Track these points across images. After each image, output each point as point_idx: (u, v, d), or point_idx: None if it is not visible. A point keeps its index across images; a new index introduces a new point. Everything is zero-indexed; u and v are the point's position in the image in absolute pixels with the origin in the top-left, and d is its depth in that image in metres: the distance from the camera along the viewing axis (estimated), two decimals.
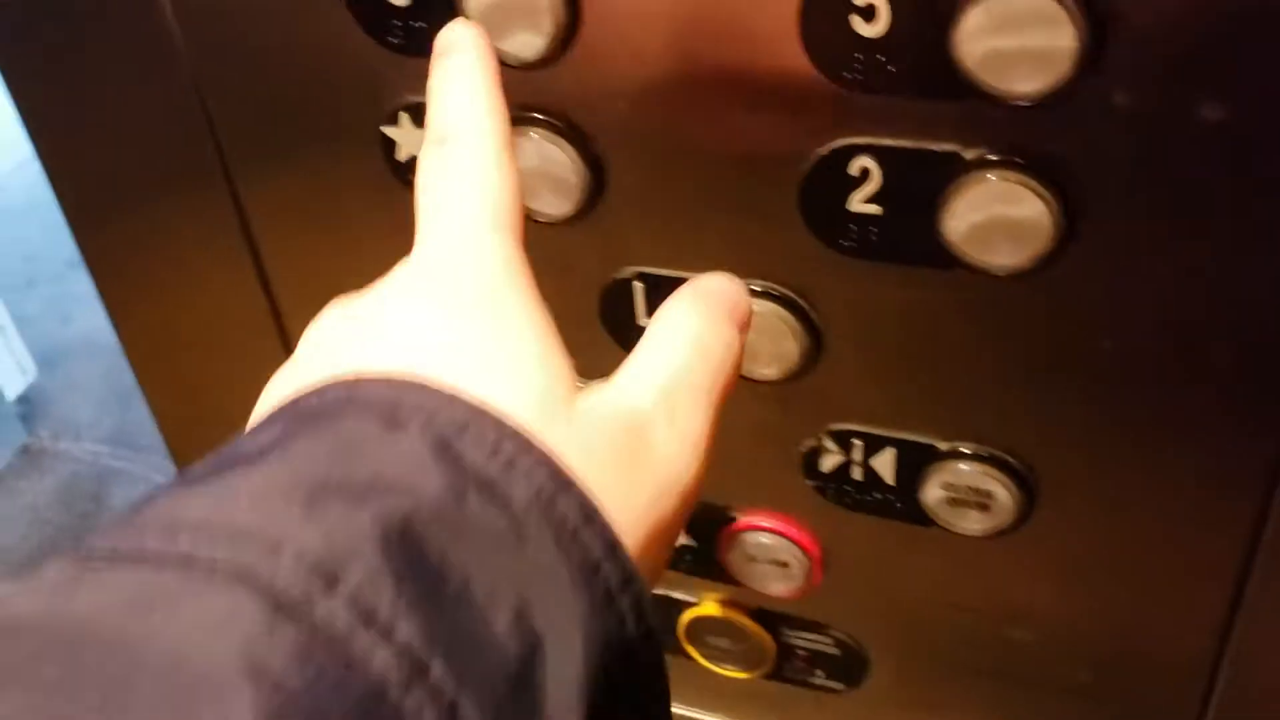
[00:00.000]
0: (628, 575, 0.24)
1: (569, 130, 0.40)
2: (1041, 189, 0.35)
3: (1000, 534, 0.43)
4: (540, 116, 0.40)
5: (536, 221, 0.42)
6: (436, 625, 0.21)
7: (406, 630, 0.20)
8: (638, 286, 0.43)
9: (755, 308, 0.41)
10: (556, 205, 0.41)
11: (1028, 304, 0.38)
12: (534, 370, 0.27)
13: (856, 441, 0.44)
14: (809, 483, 0.46)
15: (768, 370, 0.43)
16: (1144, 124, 0.34)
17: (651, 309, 0.44)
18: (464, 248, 0.29)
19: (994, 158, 0.35)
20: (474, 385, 0.25)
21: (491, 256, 0.29)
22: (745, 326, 0.31)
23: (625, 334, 0.44)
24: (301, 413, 0.25)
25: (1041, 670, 0.48)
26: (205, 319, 0.54)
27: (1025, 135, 0.35)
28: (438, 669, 0.20)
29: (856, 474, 0.44)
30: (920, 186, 0.37)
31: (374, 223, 0.46)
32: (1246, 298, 0.36)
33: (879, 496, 0.45)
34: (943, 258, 0.37)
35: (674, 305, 0.31)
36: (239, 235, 0.49)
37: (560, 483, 0.24)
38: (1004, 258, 0.36)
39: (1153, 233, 0.36)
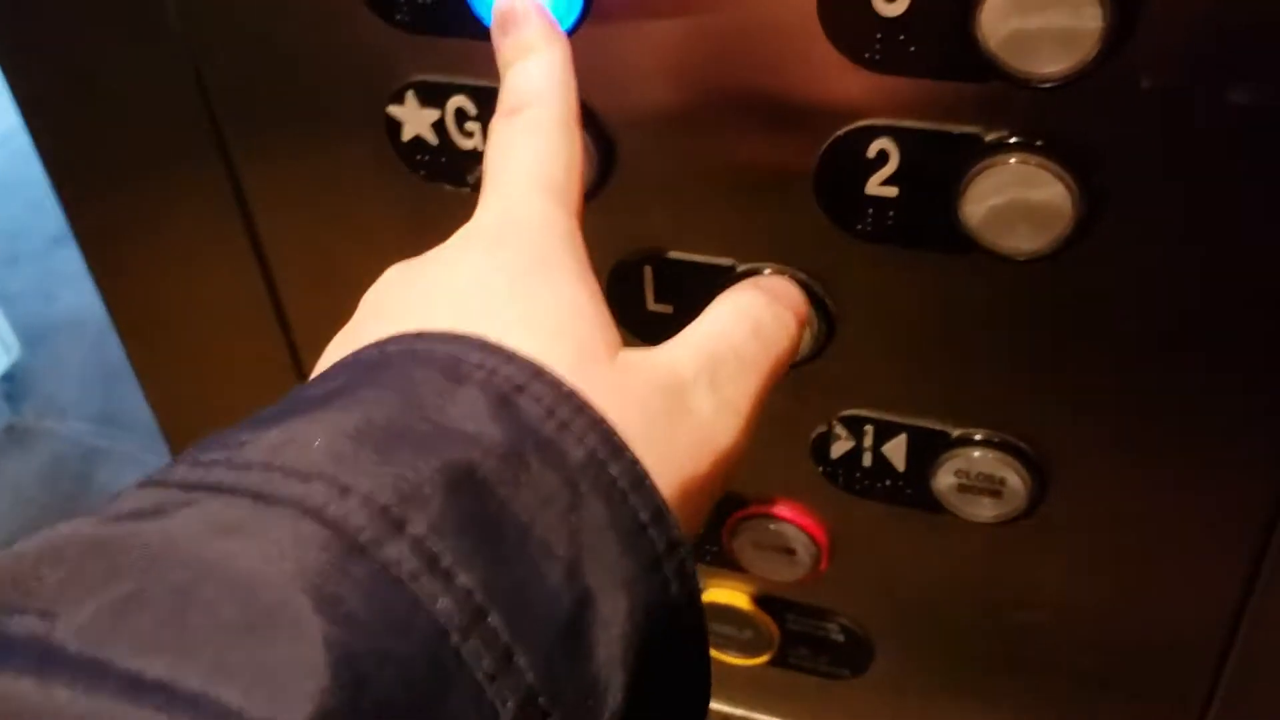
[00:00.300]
0: (674, 540, 0.25)
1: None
2: (1063, 172, 0.34)
3: (1011, 521, 0.43)
4: None
5: None
6: (495, 574, 0.22)
7: (467, 578, 0.21)
8: (647, 270, 0.42)
9: None
10: None
11: (1045, 289, 0.38)
12: (584, 331, 0.27)
13: (868, 427, 0.43)
14: (818, 468, 0.45)
15: None
16: (1169, 107, 0.33)
17: (661, 292, 0.43)
18: (521, 212, 0.30)
19: (1015, 140, 0.35)
20: (527, 344, 0.26)
21: (545, 221, 0.30)
22: (802, 321, 0.33)
23: (635, 317, 0.44)
24: (364, 363, 0.26)
25: (1048, 656, 0.48)
26: (200, 297, 0.53)
27: (1047, 118, 0.34)
28: (495, 617, 0.21)
29: (867, 460, 0.44)
30: (939, 169, 0.36)
31: (376, 203, 0.45)
32: (1270, 284, 0.35)
33: (889, 483, 0.44)
34: (960, 242, 0.37)
35: (734, 288, 0.32)
36: (236, 214, 0.48)
37: (612, 447, 0.25)
38: (1023, 242, 0.36)
39: (1176, 218, 0.35)
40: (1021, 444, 0.41)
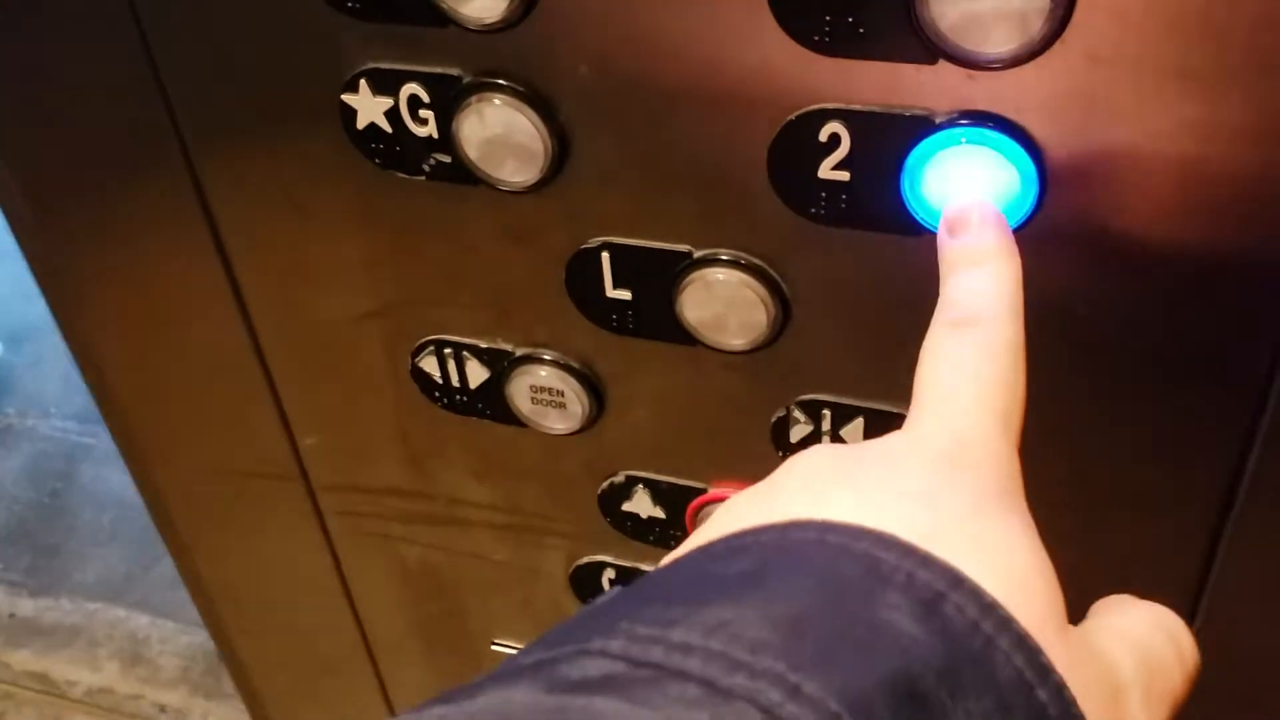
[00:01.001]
0: None
1: (532, 96, 0.39)
2: (1014, 153, 0.34)
3: None
4: (503, 82, 0.39)
5: (501, 190, 0.41)
6: None
7: None
8: (605, 256, 0.42)
9: (722, 277, 0.41)
10: (521, 173, 0.40)
11: None
12: (1043, 589, 0.26)
13: (825, 411, 0.43)
14: (778, 453, 0.45)
15: (736, 341, 0.42)
16: (1116, 85, 0.33)
17: (619, 279, 0.43)
18: (976, 436, 0.28)
19: (965, 122, 0.35)
20: (973, 572, 0.24)
21: (1002, 455, 0.28)
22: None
23: (593, 304, 0.44)
24: (772, 545, 0.25)
25: None
26: (160, 288, 0.53)
27: (996, 98, 0.34)
28: None
29: (825, 443, 0.44)
30: (890, 152, 0.36)
31: (332, 192, 0.45)
32: (1221, 262, 0.36)
33: None
34: (913, 224, 0.37)
35: (1149, 609, 0.31)
36: (195, 204, 0.48)
37: (1039, 668, 0.23)
38: None
39: (1127, 196, 0.35)
40: None
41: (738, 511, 0.27)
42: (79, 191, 0.50)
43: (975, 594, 0.23)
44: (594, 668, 0.21)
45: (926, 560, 0.24)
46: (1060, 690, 0.23)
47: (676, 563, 0.25)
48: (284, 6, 0.40)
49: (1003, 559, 0.25)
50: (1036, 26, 0.32)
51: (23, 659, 1.41)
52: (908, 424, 0.29)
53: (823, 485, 0.27)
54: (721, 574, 0.24)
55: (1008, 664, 0.23)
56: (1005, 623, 0.23)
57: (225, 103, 0.44)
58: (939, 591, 0.23)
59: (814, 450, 0.29)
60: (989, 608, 0.23)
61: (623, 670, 0.21)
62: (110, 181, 0.49)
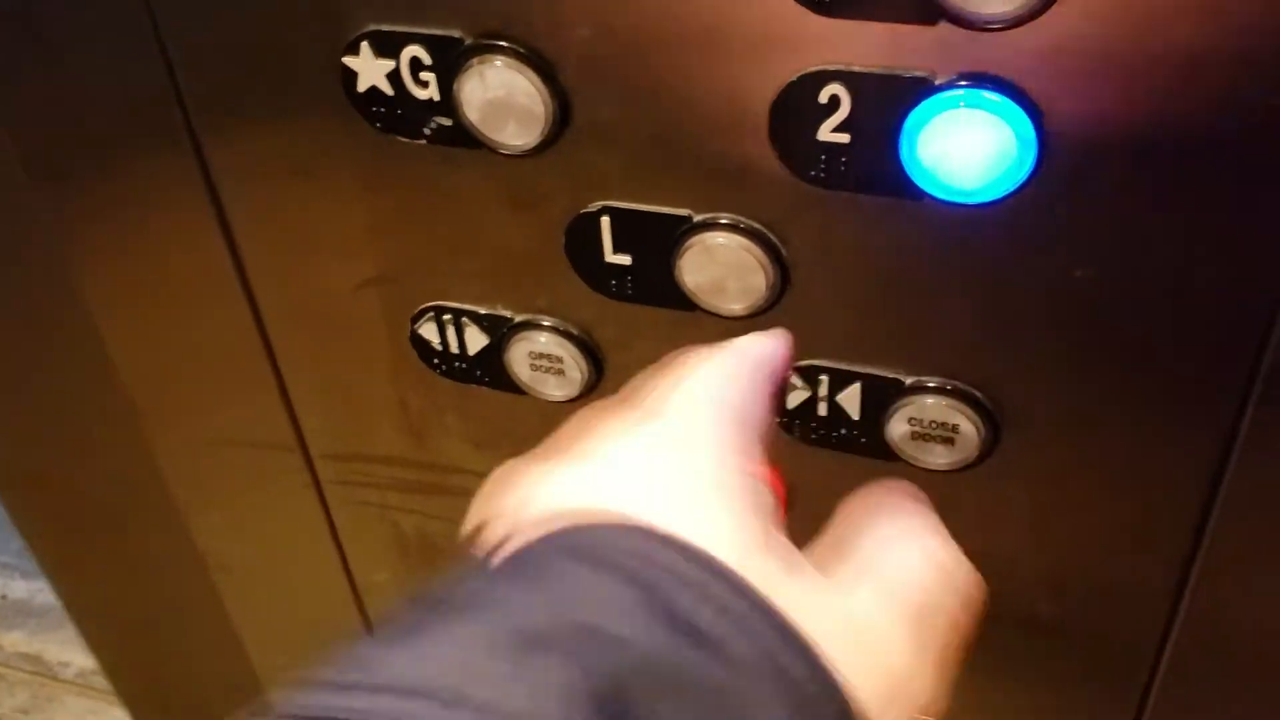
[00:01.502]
0: None
1: (533, 58, 0.39)
2: (1013, 114, 0.35)
3: (965, 468, 0.43)
4: (504, 44, 0.39)
5: (501, 154, 0.41)
6: None
7: None
8: (604, 220, 0.43)
9: (722, 241, 0.41)
10: (522, 136, 0.40)
11: (997, 234, 0.38)
12: (753, 534, 0.26)
13: (822, 377, 0.44)
14: (777, 420, 0.46)
15: (735, 305, 0.42)
16: (1117, 48, 0.34)
17: (619, 244, 0.43)
18: (693, 415, 0.29)
19: (964, 84, 0.35)
20: (693, 536, 0.24)
21: (715, 445, 0.29)
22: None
23: (592, 269, 0.44)
24: (510, 557, 0.25)
25: (1000, 603, 0.49)
26: (165, 264, 0.53)
27: (996, 59, 0.35)
28: None
29: (822, 410, 0.44)
30: (890, 114, 0.36)
31: (334, 159, 0.45)
32: (1217, 227, 0.36)
33: (844, 432, 0.45)
34: (912, 188, 0.37)
35: (906, 524, 0.30)
36: (199, 176, 0.48)
37: (790, 642, 0.23)
38: (974, 186, 0.36)
39: (1124, 159, 0.36)
40: (974, 391, 0.42)
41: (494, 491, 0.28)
42: (82, 158, 0.50)
43: (719, 573, 0.23)
44: None
45: (666, 540, 0.24)
46: (817, 662, 0.23)
47: (425, 592, 0.25)
48: None
49: (713, 516, 0.26)
50: None
51: (14, 640, 1.41)
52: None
53: (537, 488, 0.28)
54: (453, 597, 0.24)
55: (749, 639, 0.22)
56: (752, 601, 0.23)
57: (227, 68, 0.44)
58: (678, 573, 0.23)
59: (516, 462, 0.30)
60: (733, 587, 0.23)
61: None
62: (113, 149, 0.49)
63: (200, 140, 0.47)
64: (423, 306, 0.48)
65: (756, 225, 0.41)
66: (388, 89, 0.41)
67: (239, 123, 0.46)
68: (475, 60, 0.39)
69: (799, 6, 0.35)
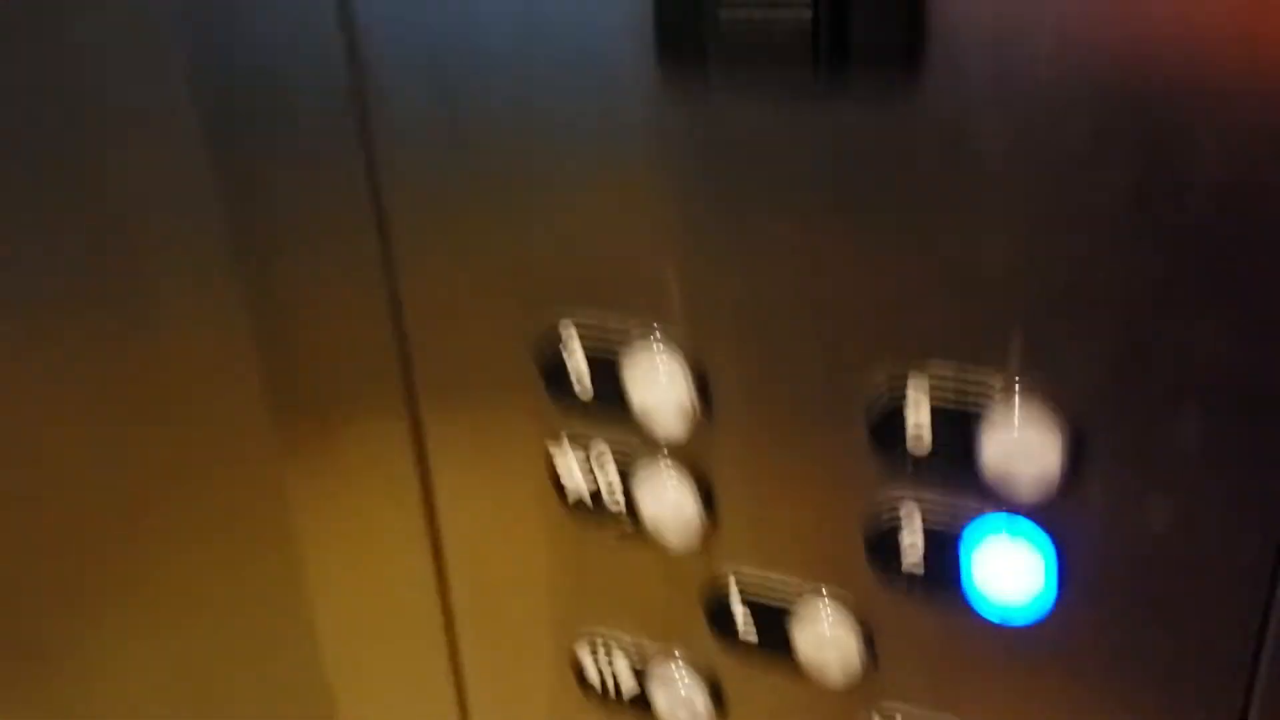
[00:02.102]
0: None
1: (698, 475, 0.54)
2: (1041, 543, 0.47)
3: None
4: (674, 463, 0.54)
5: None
6: None
7: None
8: (739, 607, 0.56)
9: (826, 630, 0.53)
10: (680, 537, 0.55)
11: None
12: None
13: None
14: None
15: (834, 676, 0.54)
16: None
17: (747, 620, 0.56)
18: None
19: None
20: None
21: None
22: None
23: (725, 632, 0.57)
24: None
25: None
26: (370, 526, 0.64)
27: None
28: None
29: None
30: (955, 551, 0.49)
31: (536, 511, 0.60)
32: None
33: None
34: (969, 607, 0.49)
35: None
36: (412, 462, 0.60)
37: None
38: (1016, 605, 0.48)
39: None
40: None
41: None
42: (309, 418, 0.63)
43: None
44: None
45: None
46: None
47: None
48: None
49: None
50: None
51: None
52: None
53: None
54: None
55: None
56: None
57: (460, 370, 0.57)
58: None
59: None
60: None
61: None
62: (336, 410, 0.61)
63: (422, 426, 0.59)
64: (583, 631, 0.62)
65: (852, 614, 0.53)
66: (584, 483, 0.56)
67: (463, 425, 0.59)
68: (653, 472, 0.54)
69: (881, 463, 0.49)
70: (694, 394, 0.51)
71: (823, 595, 0.54)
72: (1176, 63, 0.37)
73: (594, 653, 0.61)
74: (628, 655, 0.60)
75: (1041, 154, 0.40)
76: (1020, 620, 0.48)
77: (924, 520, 0.49)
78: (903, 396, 0.47)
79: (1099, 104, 0.39)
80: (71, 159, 0.61)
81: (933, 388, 0.46)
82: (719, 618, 0.56)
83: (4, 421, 0.72)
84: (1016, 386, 0.45)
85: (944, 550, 0.49)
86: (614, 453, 0.55)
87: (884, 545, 0.51)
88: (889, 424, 0.48)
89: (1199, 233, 0.40)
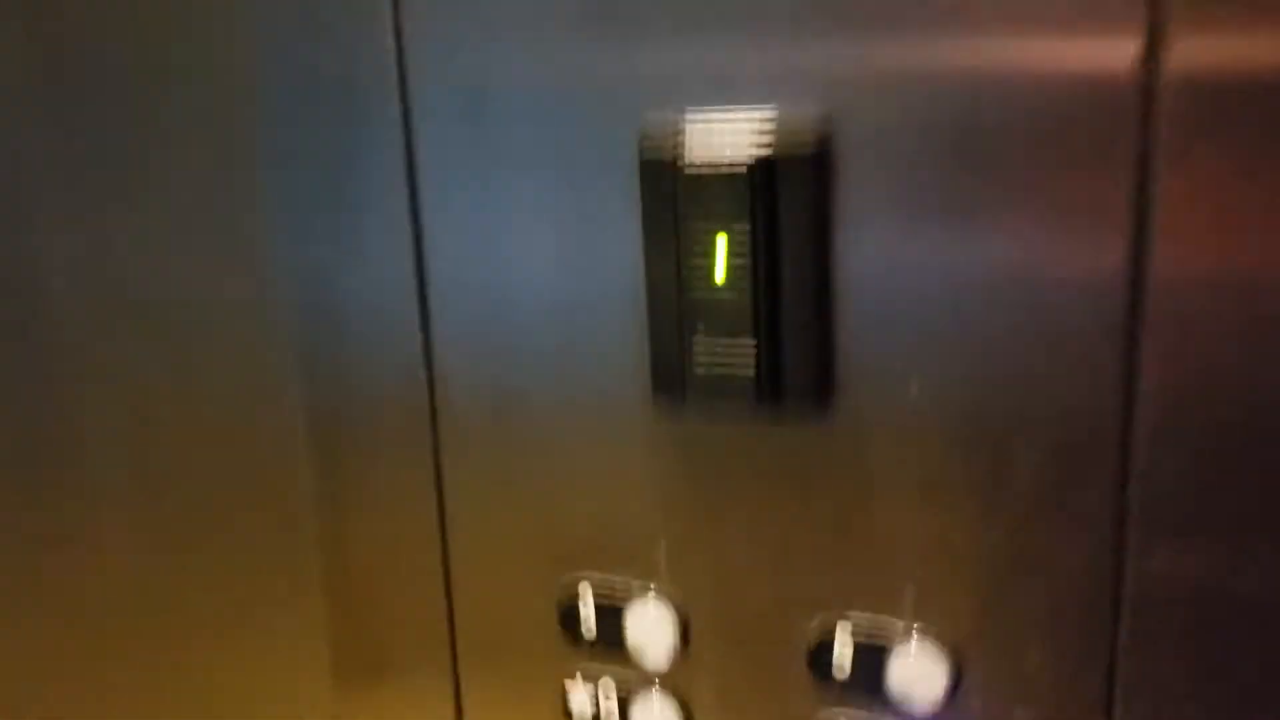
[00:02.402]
0: None
1: (684, 709, 0.70)
2: None
3: None
4: (663, 694, 0.70)
5: None
6: None
7: None
8: None
9: None
10: None
11: None
12: None
13: None
14: None
15: None
16: None
17: None
18: None
19: None
20: None
21: None
22: None
23: None
24: None
25: None
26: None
27: None
28: None
29: None
30: None
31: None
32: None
33: None
34: None
35: None
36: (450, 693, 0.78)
37: None
38: None
39: None
40: None
41: None
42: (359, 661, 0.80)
43: None
44: None
45: None
46: None
47: None
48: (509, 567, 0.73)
49: None
50: None
51: None
52: None
53: None
54: None
55: None
56: None
57: (496, 624, 0.75)
58: None
59: None
60: None
61: None
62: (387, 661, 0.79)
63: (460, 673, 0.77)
64: None
65: None
66: (589, 707, 0.72)
67: (499, 667, 0.75)
68: (646, 704, 0.70)
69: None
70: (678, 635, 0.68)
71: None
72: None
73: None
74: None
75: (921, 465, 0.60)
76: None
77: None
78: (832, 636, 0.64)
79: (952, 435, 0.59)
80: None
81: (853, 629, 0.64)
82: None
83: None
84: (914, 629, 0.63)
85: None
86: (616, 684, 0.71)
87: None
88: (821, 657, 0.65)
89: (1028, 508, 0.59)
